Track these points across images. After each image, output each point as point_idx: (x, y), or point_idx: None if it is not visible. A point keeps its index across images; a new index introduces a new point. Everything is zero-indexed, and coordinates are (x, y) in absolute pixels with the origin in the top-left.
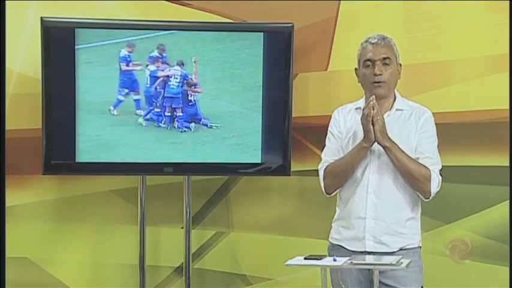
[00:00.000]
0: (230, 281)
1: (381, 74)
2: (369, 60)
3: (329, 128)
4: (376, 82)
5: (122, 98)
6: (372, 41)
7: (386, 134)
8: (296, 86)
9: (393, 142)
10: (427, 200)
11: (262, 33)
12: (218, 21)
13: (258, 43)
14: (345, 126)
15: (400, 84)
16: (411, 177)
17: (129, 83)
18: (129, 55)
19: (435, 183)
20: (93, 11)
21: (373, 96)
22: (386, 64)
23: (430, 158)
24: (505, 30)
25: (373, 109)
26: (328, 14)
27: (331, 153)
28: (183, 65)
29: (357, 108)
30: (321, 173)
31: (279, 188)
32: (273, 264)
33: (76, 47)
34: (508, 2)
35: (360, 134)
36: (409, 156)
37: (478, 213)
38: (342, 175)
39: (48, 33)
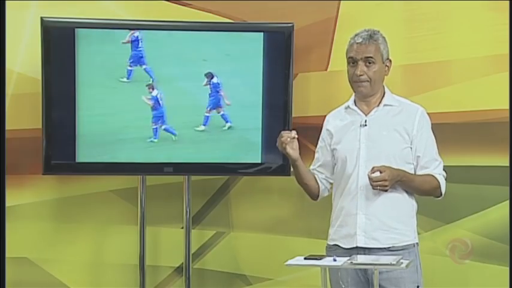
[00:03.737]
0: (230, 281)
1: (362, 75)
2: (351, 58)
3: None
4: (358, 81)
5: None
6: (358, 40)
7: (395, 176)
8: (296, 86)
9: (402, 175)
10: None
11: (262, 33)
12: (218, 21)
13: (258, 43)
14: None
15: (400, 84)
16: (426, 195)
17: None
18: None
19: (444, 184)
20: (93, 11)
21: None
22: (369, 63)
23: (435, 160)
24: (505, 30)
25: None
26: (328, 14)
27: (314, 162)
28: None
29: (346, 108)
30: None
31: (279, 188)
32: (273, 264)
33: (76, 46)
34: (508, 2)
35: (348, 134)
36: (419, 178)
37: (478, 213)
38: (301, 186)
39: (48, 33)
